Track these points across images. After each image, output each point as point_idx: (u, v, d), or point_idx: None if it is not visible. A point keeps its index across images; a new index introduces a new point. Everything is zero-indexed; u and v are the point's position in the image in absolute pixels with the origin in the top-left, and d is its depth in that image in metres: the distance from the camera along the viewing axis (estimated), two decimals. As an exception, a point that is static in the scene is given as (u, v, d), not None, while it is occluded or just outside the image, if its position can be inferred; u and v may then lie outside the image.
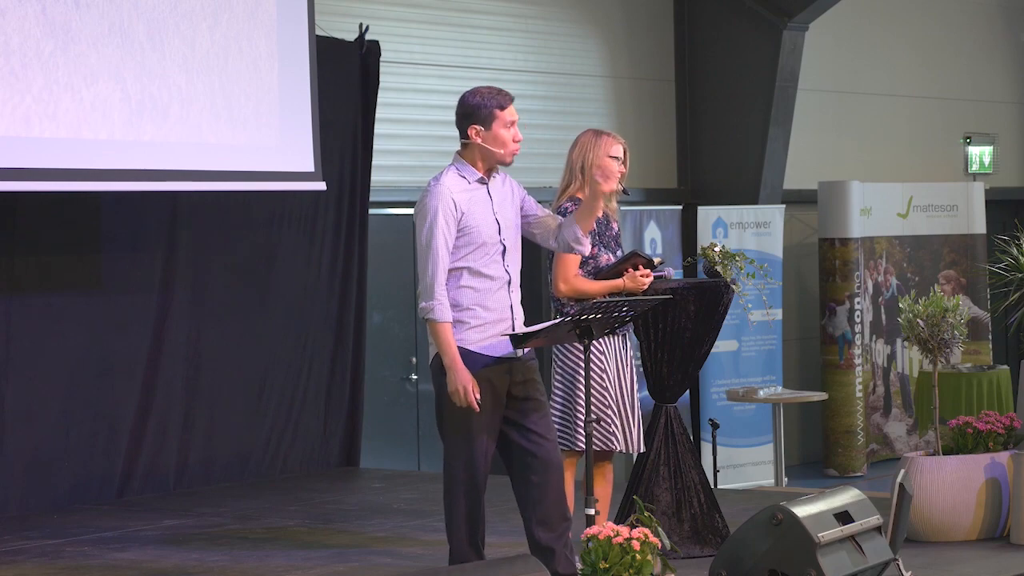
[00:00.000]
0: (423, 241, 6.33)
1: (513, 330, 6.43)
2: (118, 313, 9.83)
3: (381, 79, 11.04)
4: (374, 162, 11.10)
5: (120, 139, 8.90)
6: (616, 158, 7.09)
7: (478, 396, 6.26)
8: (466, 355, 6.33)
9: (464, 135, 6.42)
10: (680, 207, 13.50)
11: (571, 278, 6.98)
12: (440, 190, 6.34)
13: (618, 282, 7.00)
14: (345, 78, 10.86)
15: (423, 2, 12.10)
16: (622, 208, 12.80)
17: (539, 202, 6.69)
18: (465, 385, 6.25)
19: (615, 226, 7.22)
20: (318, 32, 10.10)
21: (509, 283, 6.46)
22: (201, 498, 9.81)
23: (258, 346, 10.54)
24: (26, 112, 8.47)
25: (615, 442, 7.04)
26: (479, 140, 6.39)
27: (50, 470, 9.52)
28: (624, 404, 7.08)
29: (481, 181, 6.43)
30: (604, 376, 6.99)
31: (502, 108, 6.39)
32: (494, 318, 6.40)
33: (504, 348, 6.41)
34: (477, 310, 6.37)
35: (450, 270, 6.36)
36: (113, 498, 9.74)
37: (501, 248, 6.44)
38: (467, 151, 6.44)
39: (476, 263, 6.37)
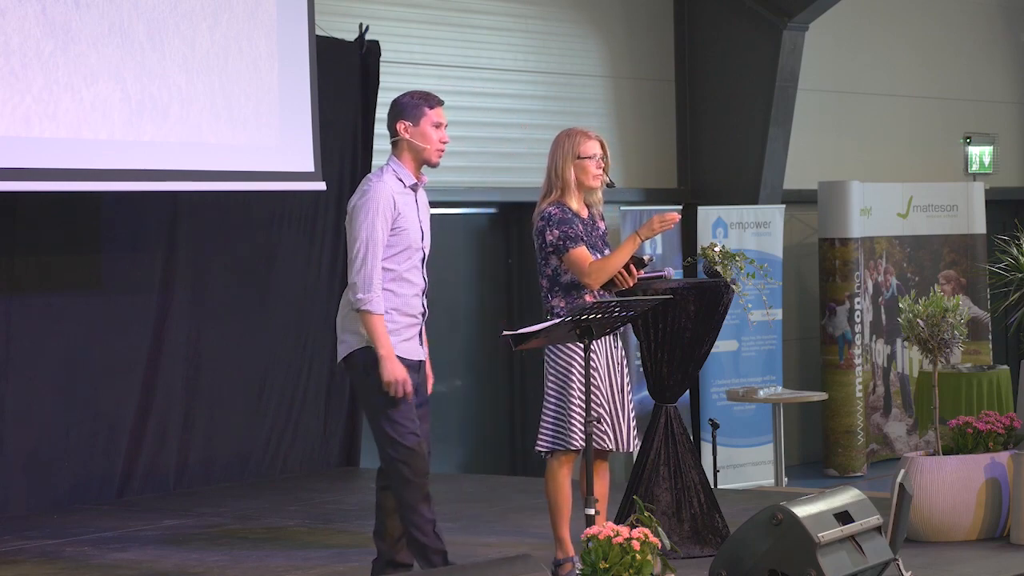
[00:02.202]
0: (363, 234, 6.42)
1: (422, 336, 6.60)
2: (118, 313, 9.83)
3: (381, 79, 11.04)
4: (374, 162, 11.10)
5: (120, 139, 8.90)
6: (591, 157, 7.04)
7: (409, 388, 6.41)
8: None
9: (393, 132, 6.60)
10: (680, 207, 13.49)
11: (588, 268, 6.91)
12: (383, 188, 6.49)
13: (633, 244, 6.92)
14: (345, 78, 10.86)
15: (423, 2, 12.09)
16: (622, 208, 12.81)
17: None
18: (403, 376, 6.39)
19: (602, 226, 7.11)
20: (318, 32, 10.10)
21: (424, 291, 6.63)
22: (201, 498, 9.81)
23: (258, 346, 10.54)
24: (26, 112, 8.47)
25: (606, 441, 6.99)
26: (407, 136, 6.56)
27: (50, 470, 9.52)
28: (615, 403, 7.03)
29: (413, 187, 6.58)
30: (595, 375, 6.96)
31: (431, 107, 6.60)
32: (408, 323, 6.56)
33: (416, 352, 6.59)
34: (394, 314, 6.52)
35: None
36: (113, 498, 9.74)
37: (422, 255, 6.60)
38: (397, 150, 6.62)
39: (400, 266, 6.50)
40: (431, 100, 6.61)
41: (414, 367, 6.56)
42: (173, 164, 9.18)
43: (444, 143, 6.61)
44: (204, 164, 9.37)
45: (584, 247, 6.90)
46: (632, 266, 6.98)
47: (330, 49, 10.51)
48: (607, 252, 7.05)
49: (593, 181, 7.01)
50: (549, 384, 6.99)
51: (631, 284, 7.00)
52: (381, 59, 11.05)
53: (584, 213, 7.04)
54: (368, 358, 6.45)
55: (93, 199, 9.67)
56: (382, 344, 6.40)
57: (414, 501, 6.50)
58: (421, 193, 6.67)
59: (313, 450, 10.86)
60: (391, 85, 11.32)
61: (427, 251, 6.64)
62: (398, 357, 6.45)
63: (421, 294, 6.60)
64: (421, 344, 6.63)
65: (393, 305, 6.49)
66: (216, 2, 9.36)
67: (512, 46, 12.74)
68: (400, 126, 6.57)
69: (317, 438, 10.88)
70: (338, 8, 11.17)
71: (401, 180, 6.54)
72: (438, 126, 6.59)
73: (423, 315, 6.62)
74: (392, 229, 6.46)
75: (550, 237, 6.92)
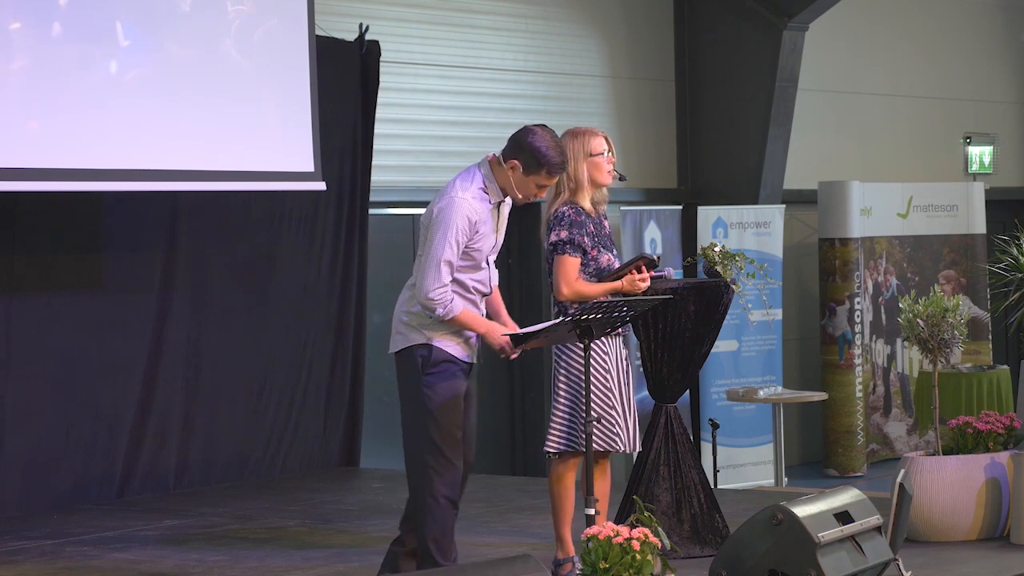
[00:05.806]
0: (437, 251, 6.41)
1: (476, 341, 6.58)
2: (118, 313, 9.83)
3: (381, 79, 11.05)
4: (374, 162, 11.10)
5: (120, 139, 8.89)
6: (601, 153, 7.06)
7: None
8: (447, 359, 6.47)
9: (506, 159, 6.54)
10: (680, 207, 13.50)
11: (573, 281, 6.97)
12: (463, 205, 6.46)
13: (616, 284, 7.00)
14: (345, 78, 10.86)
15: (423, 2, 12.10)
16: (622, 208, 12.81)
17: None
18: (507, 340, 6.46)
19: (607, 225, 7.19)
20: (318, 32, 10.10)
21: (484, 296, 6.67)
22: (201, 498, 9.81)
23: (258, 346, 10.54)
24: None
25: (619, 442, 7.01)
26: (511, 173, 6.53)
27: (50, 470, 9.52)
28: (624, 404, 7.05)
29: (497, 206, 6.58)
30: (608, 376, 6.97)
31: (550, 174, 6.55)
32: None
33: (470, 355, 6.59)
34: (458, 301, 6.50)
35: None
36: (113, 498, 9.74)
37: (487, 266, 6.62)
38: (498, 170, 6.56)
39: (466, 276, 6.51)
40: (553, 167, 6.55)
41: (467, 371, 6.58)
42: (173, 164, 9.17)
43: (533, 197, 6.61)
44: (204, 164, 9.37)
45: (579, 260, 6.95)
46: (644, 268, 7.01)
47: (330, 49, 10.51)
48: (615, 252, 7.13)
49: (606, 177, 7.07)
50: (559, 385, 6.99)
51: (640, 289, 7.00)
52: (381, 59, 11.04)
53: (594, 213, 7.09)
54: (430, 355, 6.46)
55: (93, 199, 9.67)
56: (479, 325, 6.50)
57: (439, 515, 6.44)
58: (506, 205, 6.69)
59: (313, 450, 10.86)
60: (391, 85, 11.34)
61: (492, 261, 6.67)
62: (461, 360, 6.50)
63: (481, 300, 6.65)
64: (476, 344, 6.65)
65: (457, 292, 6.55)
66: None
67: (512, 46, 12.74)
68: (513, 162, 6.53)
69: (317, 438, 10.88)
70: (338, 8, 11.17)
71: (487, 197, 6.53)
72: (541, 188, 6.59)
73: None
74: (465, 247, 6.47)
75: (554, 237, 6.95)
